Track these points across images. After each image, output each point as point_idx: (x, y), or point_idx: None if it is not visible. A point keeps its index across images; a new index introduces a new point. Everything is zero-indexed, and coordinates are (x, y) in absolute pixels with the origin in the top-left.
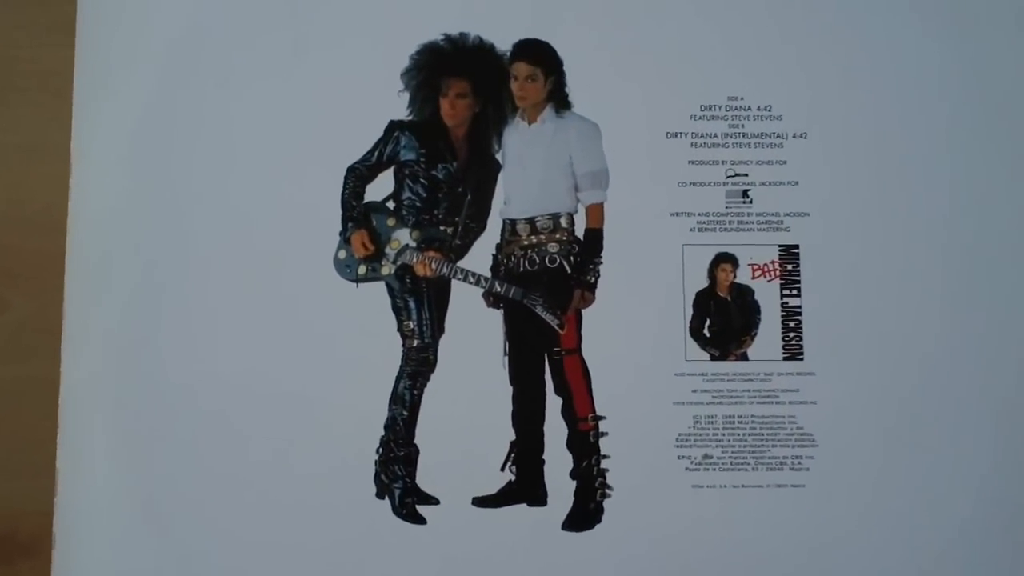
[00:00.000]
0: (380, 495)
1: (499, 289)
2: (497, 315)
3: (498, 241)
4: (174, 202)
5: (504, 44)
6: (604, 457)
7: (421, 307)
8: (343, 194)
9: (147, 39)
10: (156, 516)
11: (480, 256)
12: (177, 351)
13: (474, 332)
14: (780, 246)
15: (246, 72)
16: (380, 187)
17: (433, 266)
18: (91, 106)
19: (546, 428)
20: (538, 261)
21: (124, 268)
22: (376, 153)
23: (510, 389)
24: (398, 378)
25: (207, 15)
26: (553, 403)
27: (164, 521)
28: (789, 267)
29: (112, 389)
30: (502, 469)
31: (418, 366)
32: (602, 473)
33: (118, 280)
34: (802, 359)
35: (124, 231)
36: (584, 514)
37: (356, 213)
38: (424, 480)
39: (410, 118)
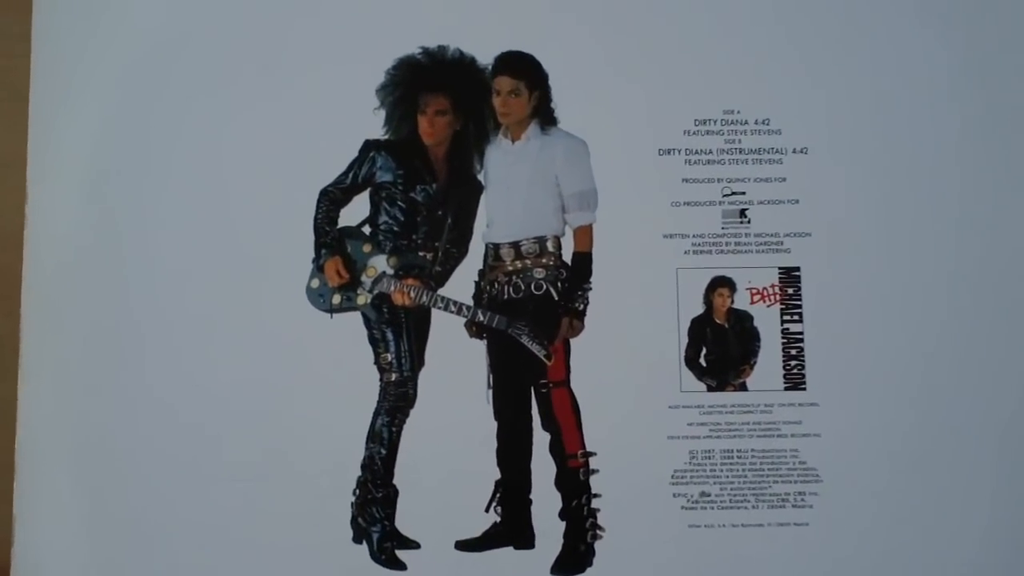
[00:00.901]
0: (357, 539)
1: (482, 318)
2: (480, 346)
3: (481, 267)
4: (140, 223)
5: (486, 57)
6: (595, 496)
7: (399, 338)
8: (316, 219)
9: (109, 51)
10: (121, 562)
11: (462, 283)
12: (142, 382)
13: (456, 364)
14: (780, 269)
15: (211, 87)
16: (355, 211)
17: (412, 294)
18: (48, 118)
19: (533, 465)
20: (523, 288)
21: (84, 288)
22: (351, 175)
23: (494, 425)
24: (375, 414)
25: (171, 28)
26: (540, 439)
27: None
28: (790, 291)
29: (71, 418)
30: (487, 510)
31: (396, 401)
32: (593, 513)
33: (79, 300)
34: (804, 389)
35: (84, 249)
36: (574, 556)
37: (330, 239)
38: (404, 523)
39: (386, 137)
